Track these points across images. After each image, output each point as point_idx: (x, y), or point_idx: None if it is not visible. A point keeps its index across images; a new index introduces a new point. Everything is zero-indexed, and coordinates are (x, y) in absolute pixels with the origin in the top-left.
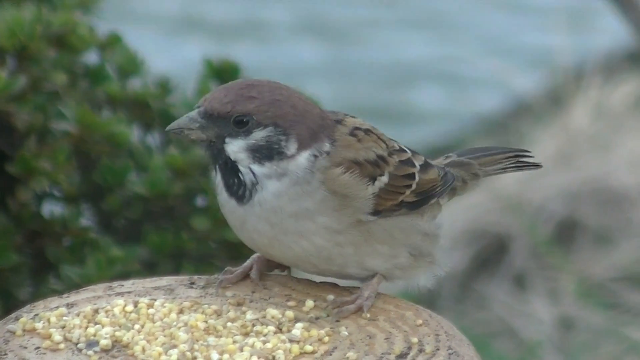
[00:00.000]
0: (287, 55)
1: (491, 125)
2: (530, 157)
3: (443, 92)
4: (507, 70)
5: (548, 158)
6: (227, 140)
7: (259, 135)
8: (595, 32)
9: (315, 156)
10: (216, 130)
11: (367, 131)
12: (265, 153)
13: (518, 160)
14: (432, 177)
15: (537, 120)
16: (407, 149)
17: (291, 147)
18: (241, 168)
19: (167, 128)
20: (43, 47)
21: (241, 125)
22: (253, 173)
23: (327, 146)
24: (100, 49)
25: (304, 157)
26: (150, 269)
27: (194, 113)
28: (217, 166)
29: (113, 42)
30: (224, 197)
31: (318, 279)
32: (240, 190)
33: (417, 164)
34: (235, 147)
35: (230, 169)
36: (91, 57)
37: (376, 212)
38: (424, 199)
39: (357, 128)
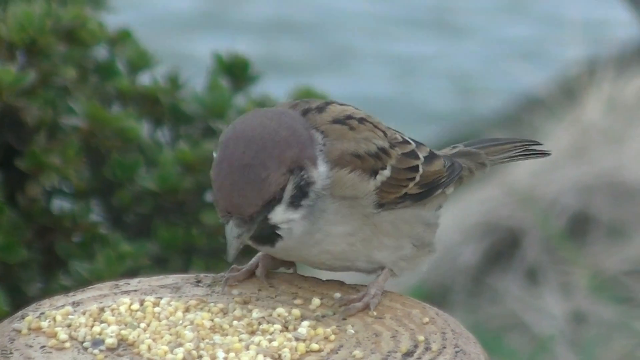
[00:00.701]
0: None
1: (504, 119)
2: (539, 145)
3: (453, 88)
4: (520, 66)
5: (561, 151)
6: (269, 217)
7: (288, 193)
8: (607, 26)
9: (324, 154)
10: (258, 219)
11: (362, 120)
12: (299, 194)
13: (527, 148)
14: (437, 169)
15: (550, 114)
16: (411, 140)
17: (313, 173)
18: (282, 226)
19: (231, 259)
20: (53, 42)
21: (273, 202)
22: (290, 221)
23: (318, 135)
24: (110, 44)
25: (322, 167)
26: (160, 264)
27: (234, 230)
28: (260, 234)
29: (123, 37)
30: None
31: (324, 276)
32: (272, 237)
33: (421, 156)
34: (278, 217)
35: (273, 229)
36: (101, 52)
37: (380, 205)
38: (428, 190)
39: (349, 117)
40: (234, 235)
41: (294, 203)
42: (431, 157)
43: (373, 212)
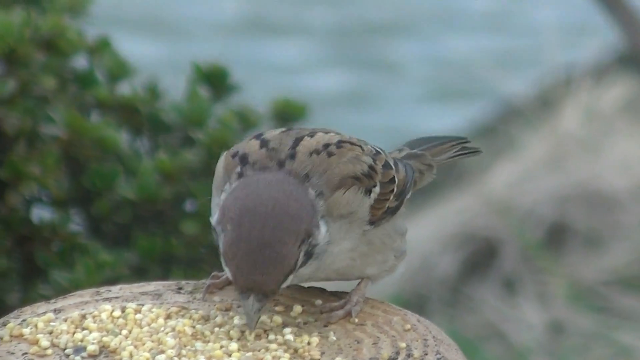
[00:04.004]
0: None
1: (480, 129)
2: (468, 142)
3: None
4: (497, 75)
5: (538, 161)
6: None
7: (300, 260)
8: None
9: (321, 213)
10: (278, 292)
11: (340, 143)
12: (306, 257)
13: (462, 147)
14: (403, 175)
15: (526, 123)
16: (380, 150)
17: (318, 237)
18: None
19: (252, 331)
20: (32, 51)
21: (290, 273)
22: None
23: (311, 192)
24: (89, 53)
25: (322, 227)
26: (139, 273)
27: (255, 305)
28: None
29: (102, 46)
30: None
31: (306, 284)
32: None
33: (391, 164)
34: (289, 281)
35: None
36: (80, 62)
37: (371, 222)
38: (401, 200)
39: (325, 145)
40: (254, 310)
41: (303, 265)
42: (395, 163)
43: (367, 230)
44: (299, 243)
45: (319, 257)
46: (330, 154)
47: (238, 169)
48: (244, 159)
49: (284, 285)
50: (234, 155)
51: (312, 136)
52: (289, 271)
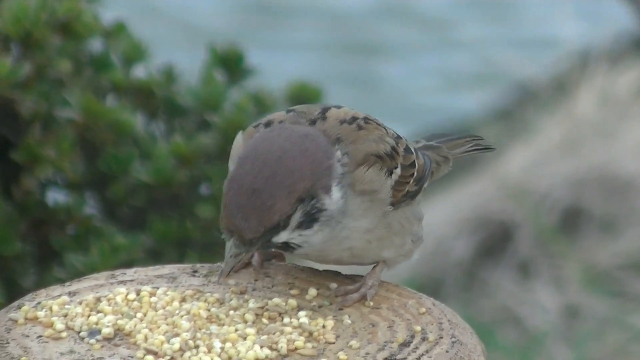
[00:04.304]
0: None
1: (496, 113)
2: (483, 140)
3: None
4: (513, 60)
5: (553, 145)
6: (272, 240)
7: (295, 220)
8: (600, 19)
9: (339, 179)
10: (260, 242)
11: (366, 119)
12: (309, 220)
13: (476, 143)
14: (422, 161)
15: (542, 107)
16: (400, 135)
17: (326, 201)
18: (291, 242)
19: (220, 281)
20: (48, 34)
21: (277, 229)
22: (301, 236)
23: (338, 155)
24: (105, 36)
25: (336, 193)
26: (154, 257)
27: (232, 249)
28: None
29: (118, 30)
30: None
31: (321, 267)
32: (286, 250)
33: (412, 149)
34: (282, 239)
35: (277, 245)
36: (96, 45)
37: (392, 204)
38: (420, 185)
39: (354, 118)
40: (231, 254)
41: (303, 226)
42: (415, 150)
43: (388, 211)
44: (292, 200)
45: (330, 225)
46: (359, 127)
47: (262, 128)
48: (269, 124)
49: (274, 239)
50: (256, 125)
51: (338, 108)
52: (273, 225)
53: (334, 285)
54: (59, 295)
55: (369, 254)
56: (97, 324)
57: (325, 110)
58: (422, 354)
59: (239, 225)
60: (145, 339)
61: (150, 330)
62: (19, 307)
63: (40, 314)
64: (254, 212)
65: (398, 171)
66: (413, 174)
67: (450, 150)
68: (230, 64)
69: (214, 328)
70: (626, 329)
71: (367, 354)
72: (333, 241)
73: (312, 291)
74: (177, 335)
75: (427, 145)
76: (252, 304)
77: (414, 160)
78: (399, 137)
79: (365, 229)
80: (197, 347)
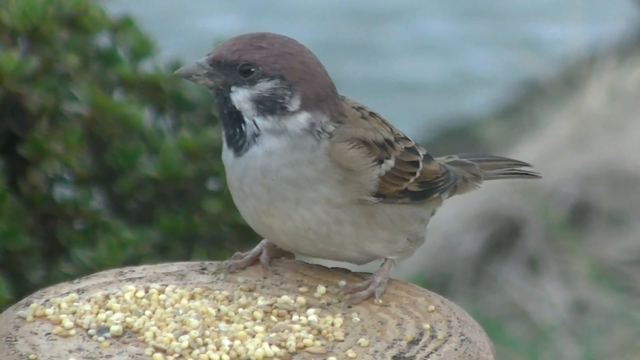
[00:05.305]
0: None
1: (505, 108)
2: (529, 167)
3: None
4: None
5: (562, 140)
6: (232, 88)
7: (263, 86)
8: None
9: (314, 123)
10: (223, 78)
11: (372, 114)
12: (269, 106)
13: (515, 169)
14: (435, 169)
15: (551, 103)
16: (410, 139)
17: (294, 104)
18: (245, 119)
19: (176, 72)
20: (55, 29)
21: (247, 74)
22: (256, 125)
23: (333, 118)
24: (112, 31)
25: (303, 118)
26: (162, 252)
27: (202, 60)
28: (222, 116)
29: (125, 24)
30: (225, 150)
31: (330, 264)
32: (240, 141)
33: (420, 153)
34: (240, 96)
35: (235, 119)
36: (103, 40)
37: (379, 195)
38: (427, 190)
39: (361, 107)
40: (198, 62)
41: (260, 105)
42: (429, 157)
43: (372, 201)
44: (277, 71)
45: (288, 141)
46: (364, 117)
47: None
48: None
49: (233, 91)
50: None
51: (344, 99)
52: (244, 62)
53: (342, 282)
54: (68, 293)
55: (344, 241)
56: (105, 321)
57: (342, 97)
58: (431, 352)
59: (224, 43)
60: (154, 336)
61: (159, 327)
62: (28, 305)
63: (49, 311)
64: (244, 42)
65: (391, 163)
66: (414, 173)
67: (484, 170)
68: None
69: (222, 326)
70: (634, 324)
71: (376, 351)
72: (279, 180)
73: (321, 289)
74: (185, 332)
75: (458, 161)
76: (260, 301)
77: (418, 161)
78: (406, 138)
79: (327, 199)
80: (205, 344)
